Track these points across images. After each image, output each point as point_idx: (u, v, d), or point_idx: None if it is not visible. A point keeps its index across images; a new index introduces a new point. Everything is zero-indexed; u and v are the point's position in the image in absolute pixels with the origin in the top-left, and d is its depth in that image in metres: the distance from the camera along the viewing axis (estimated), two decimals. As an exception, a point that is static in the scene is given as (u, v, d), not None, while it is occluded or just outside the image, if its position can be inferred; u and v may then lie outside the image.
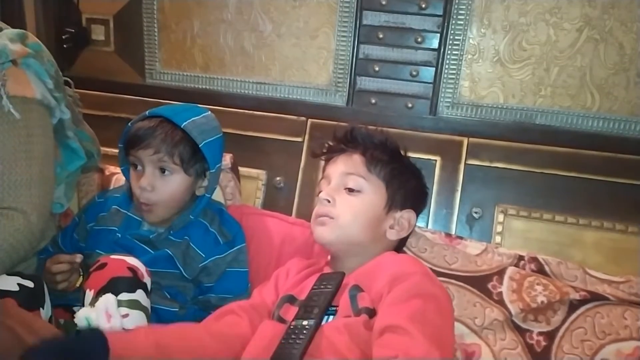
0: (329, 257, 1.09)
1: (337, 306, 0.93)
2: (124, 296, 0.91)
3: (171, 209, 1.13)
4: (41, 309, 0.95)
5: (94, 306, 0.88)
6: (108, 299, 0.88)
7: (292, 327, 0.89)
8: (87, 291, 0.93)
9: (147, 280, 0.97)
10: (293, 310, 0.95)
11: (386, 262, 0.96)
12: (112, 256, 0.97)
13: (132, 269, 0.94)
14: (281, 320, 0.95)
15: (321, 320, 0.89)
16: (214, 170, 1.13)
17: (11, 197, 1.06)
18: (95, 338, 0.77)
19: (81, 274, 1.08)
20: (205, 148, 1.09)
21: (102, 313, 0.86)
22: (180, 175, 1.11)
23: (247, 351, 0.90)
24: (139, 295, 0.93)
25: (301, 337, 0.85)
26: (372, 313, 0.88)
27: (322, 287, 0.96)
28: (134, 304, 0.92)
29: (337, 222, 1.01)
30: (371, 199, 1.03)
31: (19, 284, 0.94)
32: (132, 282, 0.93)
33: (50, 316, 0.99)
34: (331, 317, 0.92)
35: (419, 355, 0.76)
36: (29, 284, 0.95)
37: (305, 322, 0.88)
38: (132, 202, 1.16)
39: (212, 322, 0.98)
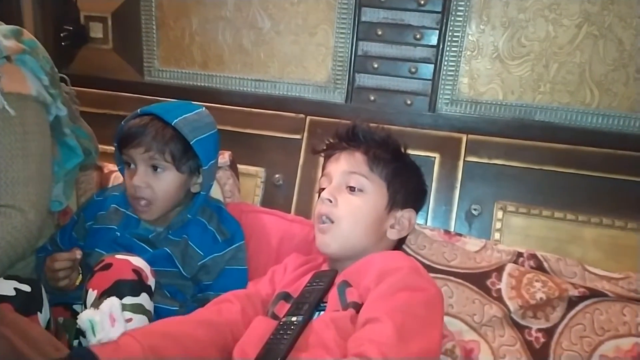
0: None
1: (327, 302, 0.93)
2: (128, 300, 0.90)
3: (166, 207, 1.13)
4: (39, 313, 0.94)
5: (97, 308, 0.87)
6: (113, 302, 0.87)
7: (281, 323, 0.89)
8: (90, 291, 0.93)
9: (152, 281, 0.97)
10: (287, 307, 0.95)
11: (375, 258, 0.96)
12: (117, 256, 0.96)
13: (137, 271, 0.94)
14: (275, 317, 0.95)
15: (311, 316, 0.90)
16: (206, 167, 1.12)
17: (8, 195, 1.06)
18: (87, 356, 0.76)
19: (80, 272, 1.08)
20: (196, 145, 1.09)
21: (107, 316, 0.85)
22: (172, 172, 1.11)
23: (239, 346, 0.90)
24: (143, 299, 0.93)
25: (289, 332, 0.85)
26: (359, 307, 0.88)
27: (314, 284, 0.97)
28: (138, 308, 0.92)
29: (338, 227, 1.00)
30: (373, 199, 1.02)
31: (15, 289, 0.92)
32: (137, 286, 0.93)
33: (49, 319, 0.98)
34: (322, 312, 0.92)
35: (383, 341, 0.75)
36: (26, 288, 0.94)
37: (294, 318, 0.88)
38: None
39: (202, 310, 0.99)
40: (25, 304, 0.93)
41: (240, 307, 0.98)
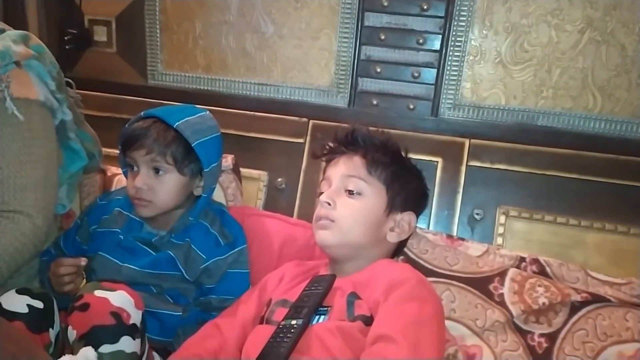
0: (327, 260, 1.09)
1: (328, 306, 0.93)
2: (106, 348, 0.85)
3: (166, 207, 1.13)
4: (50, 329, 0.93)
5: (75, 354, 0.84)
6: (88, 355, 0.83)
7: (280, 326, 0.90)
8: (70, 329, 0.88)
9: (136, 317, 0.91)
10: (285, 311, 0.95)
11: (382, 270, 0.96)
12: (97, 292, 0.89)
13: (115, 314, 0.88)
14: (275, 323, 0.95)
15: (310, 320, 0.90)
16: (208, 170, 1.12)
17: (16, 201, 1.06)
18: None
19: (84, 277, 1.08)
20: (198, 147, 1.09)
21: None
22: (174, 174, 1.11)
23: (243, 354, 0.91)
24: (123, 344, 0.87)
25: (289, 336, 0.86)
26: (368, 320, 0.88)
27: (312, 288, 0.97)
28: (117, 356, 0.87)
29: (338, 225, 1.00)
30: (372, 202, 1.02)
31: (28, 305, 0.91)
32: (116, 331, 0.87)
33: (58, 332, 0.96)
34: (322, 317, 0.92)
35: None
36: (39, 304, 0.92)
37: (293, 322, 0.89)
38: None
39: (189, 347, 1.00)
40: (37, 322, 0.92)
41: (221, 336, 1.00)
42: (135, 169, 1.11)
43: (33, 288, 0.97)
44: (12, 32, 1.12)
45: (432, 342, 0.81)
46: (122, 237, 1.15)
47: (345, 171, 1.04)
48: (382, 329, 0.82)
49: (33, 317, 0.91)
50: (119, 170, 1.36)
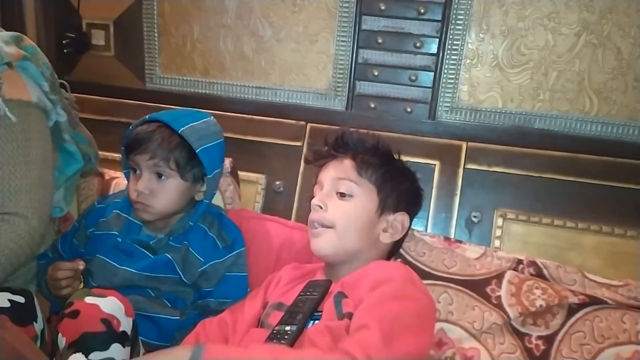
0: (323, 264, 1.09)
1: (321, 311, 0.93)
2: (96, 356, 0.84)
3: (166, 212, 1.13)
4: (34, 323, 0.92)
5: None
6: None
7: (274, 331, 0.89)
8: (60, 335, 0.88)
9: (126, 324, 0.90)
10: (280, 315, 0.95)
11: (371, 269, 0.96)
12: (87, 299, 0.89)
13: (106, 321, 0.87)
14: (269, 327, 0.95)
15: (304, 326, 0.90)
16: (211, 176, 1.12)
17: (11, 202, 1.06)
18: None
19: (82, 280, 1.08)
20: (202, 153, 1.09)
21: None
22: (176, 180, 1.10)
23: None
24: (113, 351, 0.86)
25: (282, 342, 0.85)
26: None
27: (308, 293, 0.97)
28: None
29: (333, 230, 1.01)
30: (363, 203, 1.03)
31: (9, 300, 0.90)
32: (106, 338, 0.86)
33: (43, 329, 0.96)
34: (316, 322, 0.92)
35: (369, 344, 0.76)
36: (20, 299, 0.92)
37: (288, 328, 0.88)
38: (132, 206, 1.16)
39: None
40: (21, 315, 0.91)
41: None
42: (138, 172, 1.11)
43: (12, 285, 0.97)
44: (4, 34, 1.12)
45: (408, 339, 0.80)
46: (120, 239, 1.14)
47: (335, 174, 1.05)
48: (359, 321, 0.82)
49: (16, 311, 0.90)
50: (117, 174, 1.36)
